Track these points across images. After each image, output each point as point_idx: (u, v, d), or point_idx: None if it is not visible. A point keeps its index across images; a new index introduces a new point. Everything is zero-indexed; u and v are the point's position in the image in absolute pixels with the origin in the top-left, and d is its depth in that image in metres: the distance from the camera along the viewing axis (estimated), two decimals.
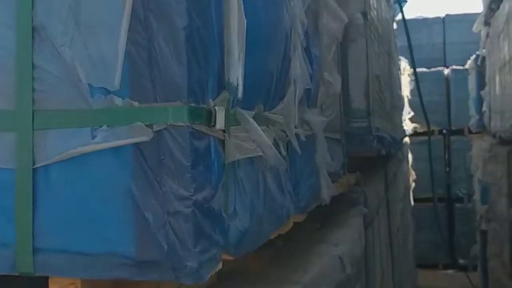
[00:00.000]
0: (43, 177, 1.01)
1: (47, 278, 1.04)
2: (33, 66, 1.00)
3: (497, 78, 5.35)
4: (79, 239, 1.01)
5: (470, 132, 8.53)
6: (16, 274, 1.04)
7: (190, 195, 0.99)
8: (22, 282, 1.07)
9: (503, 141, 5.25)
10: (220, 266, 1.09)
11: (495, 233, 6.18)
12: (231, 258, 1.14)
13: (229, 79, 1.07)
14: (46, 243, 1.02)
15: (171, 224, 0.99)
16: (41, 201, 1.01)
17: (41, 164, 1.01)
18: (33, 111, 1.01)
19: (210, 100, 1.03)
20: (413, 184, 8.37)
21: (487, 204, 6.58)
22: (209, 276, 1.03)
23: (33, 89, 1.00)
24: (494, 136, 5.98)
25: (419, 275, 8.03)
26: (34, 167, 1.01)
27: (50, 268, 1.03)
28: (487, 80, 6.39)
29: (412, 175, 8.15)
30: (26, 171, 1.01)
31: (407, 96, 7.10)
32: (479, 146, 7.01)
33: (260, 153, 1.19)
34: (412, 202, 8.20)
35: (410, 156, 8.03)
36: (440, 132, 9.06)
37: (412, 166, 8.21)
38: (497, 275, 6.07)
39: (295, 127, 1.48)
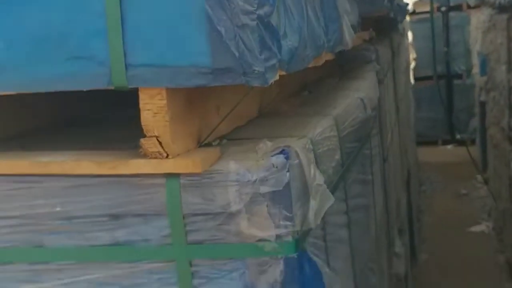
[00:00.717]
0: (129, 1, 1.20)
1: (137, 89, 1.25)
2: None
3: None
4: (164, 54, 1.21)
5: (468, 7, 8.60)
6: (112, 88, 1.25)
7: (254, 9, 1.18)
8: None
9: (503, 9, 5.38)
10: (278, 76, 1.29)
11: (494, 102, 6.42)
12: (284, 73, 1.35)
13: None
14: (136, 59, 1.22)
15: (240, 36, 1.19)
16: (129, 22, 1.20)
17: None
18: None
19: None
20: (413, 63, 8.55)
21: (486, 75, 6.79)
22: (272, 80, 1.24)
23: None
24: (493, 6, 6.08)
25: (419, 151, 8.38)
26: None
27: (140, 81, 1.23)
28: None
29: (412, 53, 8.31)
30: None
31: None
32: (478, 19, 7.13)
33: None
34: (412, 81, 8.42)
35: (409, 34, 8.15)
36: (439, 9, 9.13)
37: (411, 44, 8.34)
38: (496, 141, 6.37)
39: None
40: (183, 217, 1.31)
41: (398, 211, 3.68)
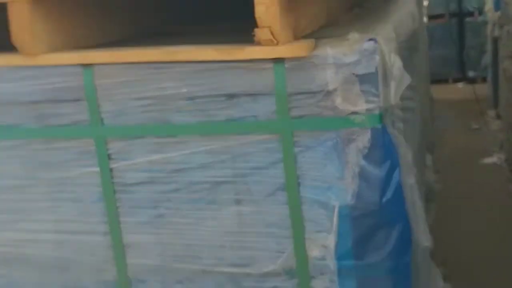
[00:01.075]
0: None
1: None
2: None
3: None
4: None
5: None
6: None
7: None
8: None
9: None
10: None
11: (508, 36, 6.61)
12: None
13: None
14: None
15: None
16: None
17: None
18: None
19: None
20: (426, 2, 8.67)
21: (499, 10, 6.96)
22: None
23: None
24: None
25: (431, 89, 8.57)
26: None
27: None
28: None
29: None
30: None
31: None
32: None
33: None
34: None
35: None
36: None
37: None
38: (509, 74, 6.60)
39: None
40: (287, 96, 1.58)
41: (426, 129, 3.96)
